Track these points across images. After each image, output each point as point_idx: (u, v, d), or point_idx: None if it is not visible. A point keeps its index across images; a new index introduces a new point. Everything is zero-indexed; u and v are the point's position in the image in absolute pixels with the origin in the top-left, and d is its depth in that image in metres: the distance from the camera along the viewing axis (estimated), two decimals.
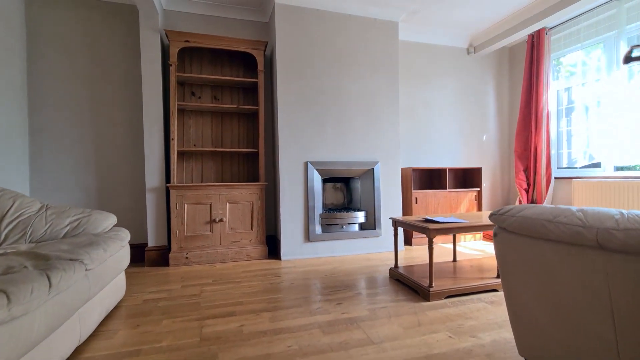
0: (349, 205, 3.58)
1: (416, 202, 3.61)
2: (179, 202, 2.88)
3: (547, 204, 3.81)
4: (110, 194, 3.04)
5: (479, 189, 3.86)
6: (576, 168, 3.61)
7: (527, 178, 3.99)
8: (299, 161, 3.13)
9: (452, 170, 3.97)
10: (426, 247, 3.55)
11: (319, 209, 3.20)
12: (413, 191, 3.59)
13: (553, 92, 3.86)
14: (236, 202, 3.03)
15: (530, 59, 3.95)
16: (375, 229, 3.32)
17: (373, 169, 3.34)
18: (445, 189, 3.72)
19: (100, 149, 3.02)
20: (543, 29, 3.73)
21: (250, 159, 3.37)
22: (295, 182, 3.11)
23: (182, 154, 3.16)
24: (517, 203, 4.04)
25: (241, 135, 3.34)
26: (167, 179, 2.99)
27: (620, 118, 3.15)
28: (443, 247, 3.57)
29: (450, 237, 3.72)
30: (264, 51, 3.15)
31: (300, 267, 2.80)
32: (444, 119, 4.13)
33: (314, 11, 3.17)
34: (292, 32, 3.10)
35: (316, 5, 3.15)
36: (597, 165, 3.43)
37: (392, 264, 2.86)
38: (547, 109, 3.77)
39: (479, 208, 3.87)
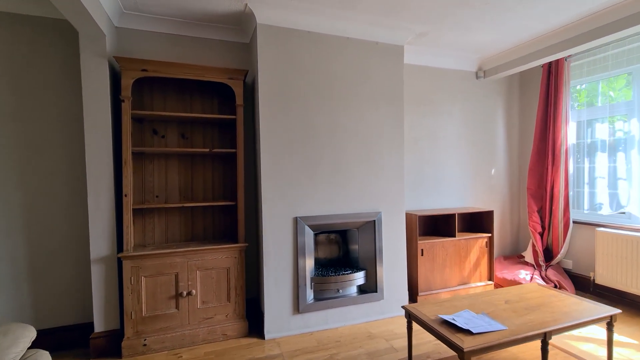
0: (344, 258, 3.06)
1: (422, 255, 3.12)
2: (135, 274, 2.27)
3: (563, 251, 3.41)
4: (44, 263, 2.39)
5: (490, 235, 3.41)
6: (601, 214, 3.21)
7: (542, 220, 3.57)
8: (287, 217, 2.57)
9: (461, 214, 3.49)
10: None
11: (310, 271, 2.66)
12: (419, 242, 3.09)
13: (573, 125, 3.45)
14: (209, 269, 2.44)
15: (547, 87, 3.52)
16: (376, 291, 2.81)
17: (374, 220, 2.82)
18: (454, 236, 3.24)
19: (32, 206, 2.37)
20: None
21: (228, 212, 2.78)
22: (282, 242, 2.55)
23: (140, 211, 2.53)
24: (529, 248, 3.62)
25: (216, 183, 2.75)
26: (120, 244, 2.38)
27: None
28: None
29: (456, 289, 3.25)
30: (244, 80, 2.57)
31: (288, 352, 2.26)
32: (450, 151, 3.66)
33: (305, 34, 2.60)
34: (278, 58, 2.53)
35: (307, 26, 2.59)
36: (628, 214, 3.04)
37: (399, 343, 2.36)
38: (567, 144, 3.35)
39: (490, 256, 3.42)
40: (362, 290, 2.85)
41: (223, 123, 2.76)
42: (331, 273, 2.75)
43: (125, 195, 2.28)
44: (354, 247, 2.98)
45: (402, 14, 2.60)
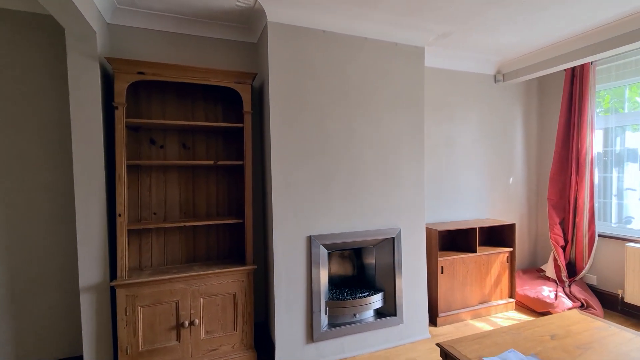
0: (359, 276, 2.82)
1: (442, 272, 2.90)
2: (131, 304, 2.01)
3: (588, 266, 3.22)
4: (26, 291, 2.11)
5: (511, 249, 3.20)
6: (631, 228, 3.02)
7: (565, 233, 3.38)
8: (300, 236, 2.32)
9: (482, 228, 3.27)
10: (457, 326, 2.85)
11: (325, 294, 2.42)
12: (439, 258, 2.87)
13: (599, 132, 3.25)
14: (213, 295, 2.19)
15: (570, 92, 3.32)
16: (395, 314, 2.58)
17: (393, 238, 2.59)
18: (475, 251, 3.03)
19: (14, 226, 2.09)
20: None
21: (234, 230, 2.52)
22: (294, 263, 2.30)
23: (135, 231, 2.27)
24: (550, 262, 3.43)
25: (220, 198, 2.49)
26: (113, 269, 2.11)
27: None
28: (472, 325, 2.88)
29: (476, 308, 3.04)
30: (252, 84, 2.31)
31: None
32: (467, 159, 3.44)
33: (319, 33, 2.35)
34: (291, 60, 2.28)
35: (322, 25, 2.34)
36: None
37: None
38: (592, 152, 3.16)
39: (512, 272, 3.22)
40: (379, 313, 2.62)
41: (228, 132, 2.51)
42: (347, 296, 2.52)
43: (119, 215, 2.01)
44: (370, 262, 2.74)
45: (425, 14, 2.37)
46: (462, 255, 2.97)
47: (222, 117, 2.49)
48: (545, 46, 3.08)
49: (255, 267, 2.29)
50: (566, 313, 2.09)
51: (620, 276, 3.04)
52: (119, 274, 2.01)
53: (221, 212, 2.49)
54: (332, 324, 2.45)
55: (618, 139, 3.12)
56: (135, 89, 2.25)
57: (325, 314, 2.42)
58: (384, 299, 2.61)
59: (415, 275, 2.67)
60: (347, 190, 2.45)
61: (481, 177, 3.52)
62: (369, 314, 2.57)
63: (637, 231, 2.95)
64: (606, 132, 3.21)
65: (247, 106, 2.28)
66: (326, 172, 2.39)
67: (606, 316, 2.97)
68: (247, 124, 2.29)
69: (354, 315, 2.50)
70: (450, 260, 2.92)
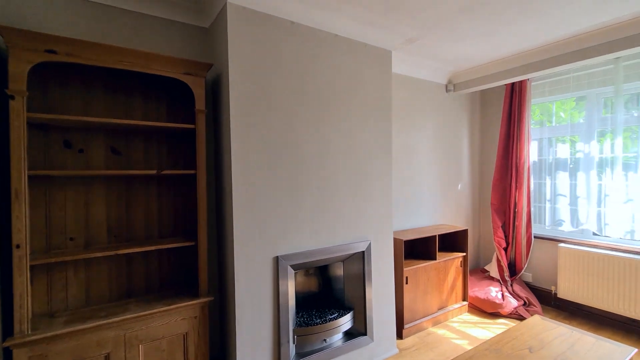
0: (326, 291, 2.60)
1: (407, 283, 2.84)
2: None
3: (526, 266, 3.51)
4: None
5: (465, 254, 3.32)
6: (562, 230, 3.35)
7: (506, 236, 3.63)
8: (266, 257, 2.00)
9: (440, 235, 3.31)
10: (421, 336, 2.82)
11: (292, 320, 2.13)
12: (404, 268, 2.80)
13: (535, 143, 3.56)
14: (157, 339, 1.74)
15: (510, 106, 3.58)
16: (365, 333, 2.42)
17: (363, 252, 2.42)
18: (435, 259, 3.05)
19: None
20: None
21: (183, 255, 2.08)
22: (259, 289, 1.97)
23: (44, 267, 1.69)
24: (494, 263, 3.66)
25: (165, 215, 2.02)
26: (9, 322, 1.52)
27: (615, 181, 2.94)
28: (435, 333, 2.89)
29: (436, 315, 3.06)
30: (205, 78, 1.91)
31: None
32: (425, 166, 3.48)
33: (287, 24, 2.06)
34: (255, 52, 1.94)
35: (290, 14, 2.05)
36: (586, 231, 3.21)
37: None
38: (529, 161, 3.44)
39: (465, 276, 3.33)
40: (349, 334, 2.43)
41: (175, 134, 2.05)
42: (316, 319, 2.27)
43: (18, 247, 1.44)
44: (338, 276, 2.55)
45: (398, 14, 2.25)
46: (425, 264, 2.96)
47: (167, 115, 2.02)
48: (493, 60, 3.26)
49: (212, 298, 1.90)
50: (530, 321, 2.15)
51: (553, 274, 3.37)
52: (17, 328, 1.44)
53: (166, 234, 2.02)
54: (300, 354, 2.18)
55: (550, 150, 3.46)
56: (42, 73, 1.67)
57: (294, 343, 2.14)
58: (354, 318, 2.43)
59: (384, 288, 2.55)
60: (318, 203, 2.20)
61: (435, 184, 3.59)
62: (338, 337, 2.37)
63: (568, 233, 3.30)
64: (540, 142, 3.54)
65: (200, 103, 1.88)
66: (296, 183, 2.11)
67: (542, 311, 3.25)
68: (201, 125, 1.88)
69: (324, 340, 2.27)
70: (414, 270, 2.88)
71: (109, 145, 1.86)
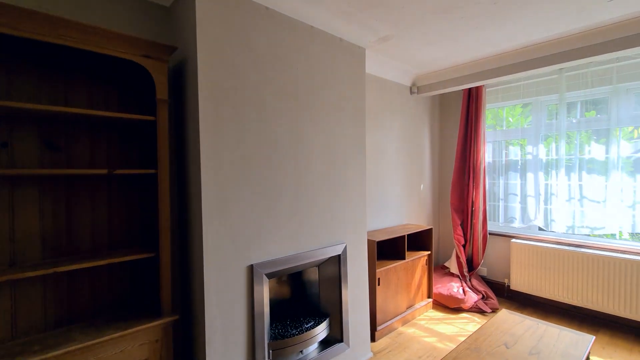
0: (300, 297, 2.46)
1: (379, 284, 2.81)
2: None
3: (482, 261, 3.72)
4: None
5: (429, 252, 3.41)
6: (514, 226, 3.61)
7: (465, 233, 3.82)
8: (239, 267, 1.80)
9: (408, 234, 3.34)
10: (393, 337, 2.80)
11: (267, 333, 1.96)
12: (377, 270, 2.77)
13: (490, 145, 3.79)
14: None
15: (467, 110, 3.77)
16: (342, 340, 2.33)
17: (339, 255, 2.33)
18: (404, 258, 3.07)
19: None
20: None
21: (141, 269, 1.78)
22: (233, 303, 1.77)
23: None
24: (453, 259, 3.82)
25: (117, 222, 1.71)
26: None
27: (559, 181, 3.23)
28: (405, 332, 2.91)
29: (405, 314, 3.09)
30: (167, 62, 1.65)
31: None
32: (392, 166, 3.51)
33: (262, 9, 1.88)
34: (226, 38, 1.73)
35: (266, 0, 1.88)
36: (534, 227, 3.49)
37: None
38: (484, 163, 3.66)
39: (430, 274, 3.42)
40: (326, 342, 2.31)
41: (130, 127, 1.75)
42: (291, 329, 2.12)
43: None
44: (313, 280, 2.43)
45: (378, 9, 2.19)
46: (395, 264, 2.96)
47: (119, 105, 1.72)
48: (455, 65, 3.39)
49: (176, 317, 1.65)
50: (499, 316, 2.24)
51: (506, 267, 3.61)
52: None
53: (118, 245, 1.72)
54: None
55: (503, 152, 3.71)
56: None
57: (269, 358, 1.96)
58: (330, 325, 2.32)
59: (359, 292, 2.48)
60: (295, 205, 2.05)
61: (401, 185, 3.64)
62: (315, 346, 2.24)
63: (519, 229, 3.56)
64: (494, 145, 3.77)
65: (162, 92, 1.62)
66: (272, 184, 1.94)
67: (498, 303, 3.46)
68: (163, 117, 1.62)
69: (300, 352, 2.13)
70: (385, 271, 2.87)
71: (43, 139, 1.51)
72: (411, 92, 3.75)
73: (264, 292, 1.89)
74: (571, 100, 3.19)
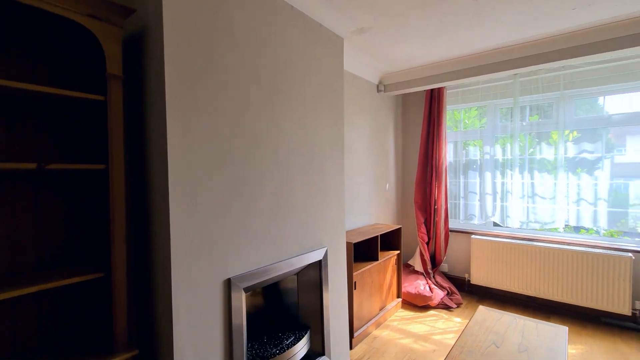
0: (278, 307, 2.21)
1: (355, 288, 2.68)
2: None
3: (445, 258, 3.83)
4: None
5: (399, 251, 3.38)
6: (473, 223, 3.77)
7: (428, 231, 3.89)
8: (215, 281, 1.51)
9: (381, 235, 3.27)
10: (369, 342, 2.69)
11: (246, 357, 1.68)
12: (354, 273, 2.63)
13: (451, 145, 3.92)
14: None
15: (429, 110, 3.85)
16: (323, 353, 2.14)
17: (320, 260, 2.14)
18: (377, 259, 2.99)
19: None
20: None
21: (84, 293, 1.38)
22: (206, 327, 1.47)
23: None
24: (417, 257, 3.88)
25: (50, 233, 1.30)
26: None
27: (513, 179, 3.44)
28: (380, 336, 2.82)
29: (378, 317, 3.02)
30: (122, 28, 1.30)
31: None
32: (362, 165, 3.41)
33: None
34: (198, 8, 1.43)
35: None
36: (493, 223, 3.67)
37: None
38: (446, 162, 3.77)
39: (399, 273, 3.40)
40: (307, 357, 2.10)
41: (68, 109, 1.35)
42: (271, 348, 1.86)
43: None
44: (291, 288, 2.20)
45: None
46: (369, 266, 2.86)
47: (50, 78, 1.31)
48: (420, 66, 3.42)
49: (135, 352, 1.30)
50: (478, 315, 2.25)
51: (467, 263, 3.76)
52: None
53: (52, 262, 1.31)
54: None
55: (463, 152, 3.85)
56: None
57: None
58: (311, 338, 2.12)
59: (339, 299, 2.32)
60: (275, 208, 1.81)
61: (370, 184, 3.57)
62: None
63: (478, 225, 3.73)
64: (455, 145, 3.91)
65: (114, 65, 1.26)
66: (252, 184, 1.67)
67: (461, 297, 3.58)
68: (116, 98, 1.27)
69: None
70: (360, 274, 2.75)
71: None
72: (378, 90, 3.70)
73: (243, 310, 1.62)
74: (524, 104, 3.41)
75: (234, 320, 1.56)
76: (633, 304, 2.85)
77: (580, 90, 3.10)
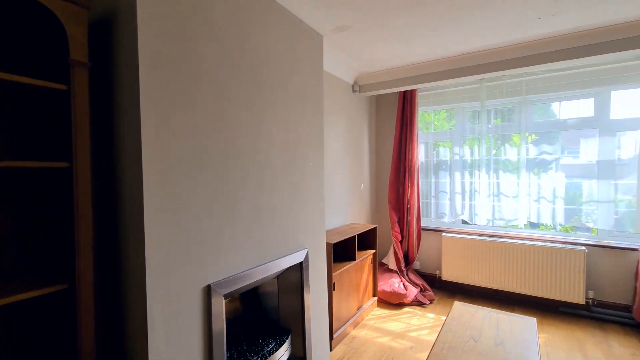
0: (256, 311, 2.12)
1: (334, 289, 2.65)
2: None
3: (417, 255, 3.93)
4: None
5: (374, 251, 3.41)
6: (444, 222, 3.90)
7: (402, 230, 3.97)
8: (194, 288, 1.40)
9: (358, 234, 3.27)
10: (347, 343, 2.67)
11: None
12: (333, 273, 2.61)
13: (423, 146, 4.03)
14: None
15: (402, 111, 3.94)
16: (305, 358, 2.08)
17: (301, 262, 2.08)
18: (355, 259, 2.99)
19: None
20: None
21: (42, 306, 1.22)
22: (184, 340, 1.36)
23: None
24: (391, 256, 3.94)
25: (1, 240, 1.13)
26: None
27: (481, 179, 3.61)
28: (359, 336, 2.82)
29: (355, 317, 3.02)
30: (88, 9, 1.16)
31: None
32: (337, 164, 3.40)
33: None
34: None
35: None
36: (465, 221, 3.82)
37: None
38: (418, 162, 3.87)
39: (375, 272, 3.43)
40: None
41: (24, 98, 1.18)
42: (251, 355, 1.78)
43: None
44: (269, 291, 2.12)
45: None
46: (347, 266, 2.85)
47: (4, 63, 1.14)
48: (393, 68, 3.48)
49: None
50: (455, 310, 2.31)
51: (438, 260, 3.88)
52: None
53: (7, 271, 1.13)
54: None
55: (433, 152, 3.98)
56: None
57: None
58: (292, 342, 2.06)
59: (320, 301, 2.28)
60: (256, 208, 1.73)
61: (346, 184, 3.57)
62: None
63: (448, 224, 3.86)
64: (426, 146, 4.03)
65: (78, 50, 1.12)
66: (233, 183, 1.58)
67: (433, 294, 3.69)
68: (81, 87, 1.13)
69: None
70: (339, 274, 2.73)
71: None
72: (353, 91, 3.72)
73: (223, 318, 1.52)
74: (490, 108, 3.59)
75: (214, 328, 1.46)
76: (586, 293, 3.10)
77: (539, 95, 3.32)
